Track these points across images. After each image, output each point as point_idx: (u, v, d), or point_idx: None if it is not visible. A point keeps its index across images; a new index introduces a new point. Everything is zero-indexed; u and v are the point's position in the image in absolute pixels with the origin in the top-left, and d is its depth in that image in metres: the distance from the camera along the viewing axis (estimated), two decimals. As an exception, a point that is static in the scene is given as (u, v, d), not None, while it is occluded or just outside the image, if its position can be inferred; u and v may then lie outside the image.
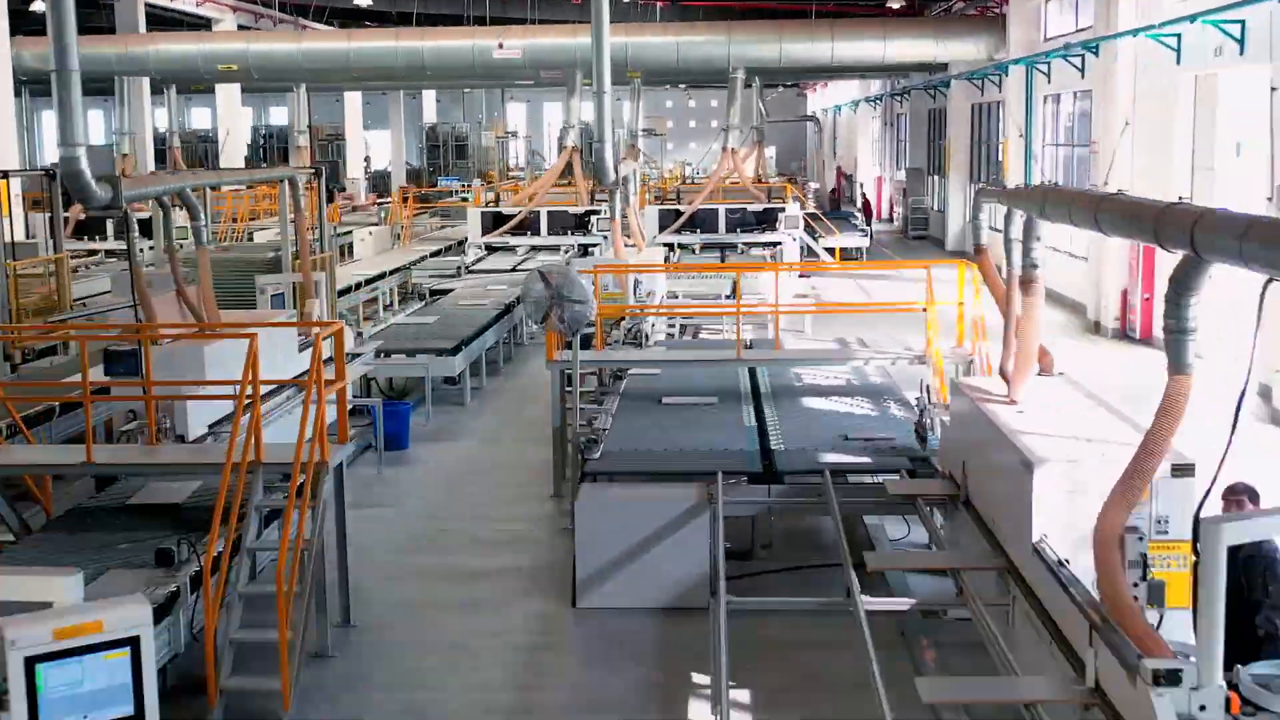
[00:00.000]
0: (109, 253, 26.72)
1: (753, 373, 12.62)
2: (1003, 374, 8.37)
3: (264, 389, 11.29)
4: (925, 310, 11.62)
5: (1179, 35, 18.11)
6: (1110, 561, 5.41)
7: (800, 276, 23.84)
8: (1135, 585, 5.54)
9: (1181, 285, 5.30)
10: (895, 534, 10.19)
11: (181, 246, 12.75)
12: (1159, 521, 6.32)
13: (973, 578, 7.64)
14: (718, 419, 10.99)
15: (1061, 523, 6.53)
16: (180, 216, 13.98)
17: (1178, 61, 18.31)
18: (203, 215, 11.65)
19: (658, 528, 8.91)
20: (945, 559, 8.57)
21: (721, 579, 7.31)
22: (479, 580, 9.80)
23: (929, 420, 9.90)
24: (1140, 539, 5.64)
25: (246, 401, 8.12)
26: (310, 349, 8.85)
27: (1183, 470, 6.32)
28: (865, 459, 9.63)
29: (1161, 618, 5.57)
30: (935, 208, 38.49)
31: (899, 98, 43.70)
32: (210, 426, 10.43)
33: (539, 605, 9.23)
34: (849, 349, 12.25)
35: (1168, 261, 17.55)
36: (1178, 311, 5.35)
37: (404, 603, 9.35)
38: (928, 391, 10.43)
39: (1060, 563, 6.21)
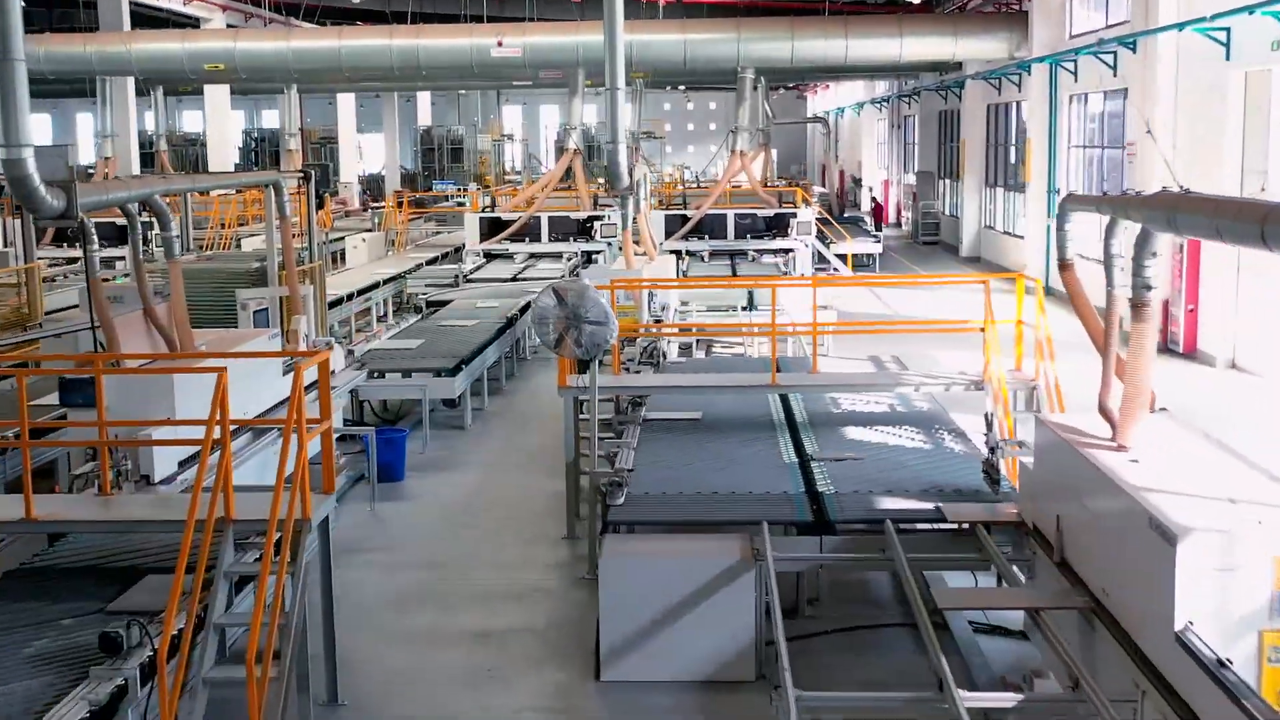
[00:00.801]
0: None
1: (784, 397, 11.41)
2: (1102, 411, 7.15)
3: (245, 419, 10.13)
4: (984, 330, 10.37)
5: (1228, 29, 16.95)
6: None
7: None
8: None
9: None
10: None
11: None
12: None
13: (1062, 629, 6.61)
14: (754, 455, 9.73)
15: (1211, 606, 5.31)
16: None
17: (1227, 57, 17.14)
18: (173, 224, 10.43)
19: (695, 588, 7.66)
20: (1018, 596, 7.41)
21: (785, 668, 6.04)
22: (485, 644, 8.54)
23: (999, 459, 8.66)
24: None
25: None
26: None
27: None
28: (927, 505, 8.38)
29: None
30: (947, 212, 37.31)
31: (908, 99, 42.52)
32: (181, 463, 9.20)
33: (556, 676, 7.98)
34: (895, 373, 11.03)
35: (1215, 272, 16.09)
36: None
37: (399, 674, 8.09)
38: (992, 424, 9.16)
39: (1221, 663, 4.98)
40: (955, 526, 8.09)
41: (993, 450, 8.69)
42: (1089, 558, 6.59)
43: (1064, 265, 8.11)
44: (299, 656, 6.95)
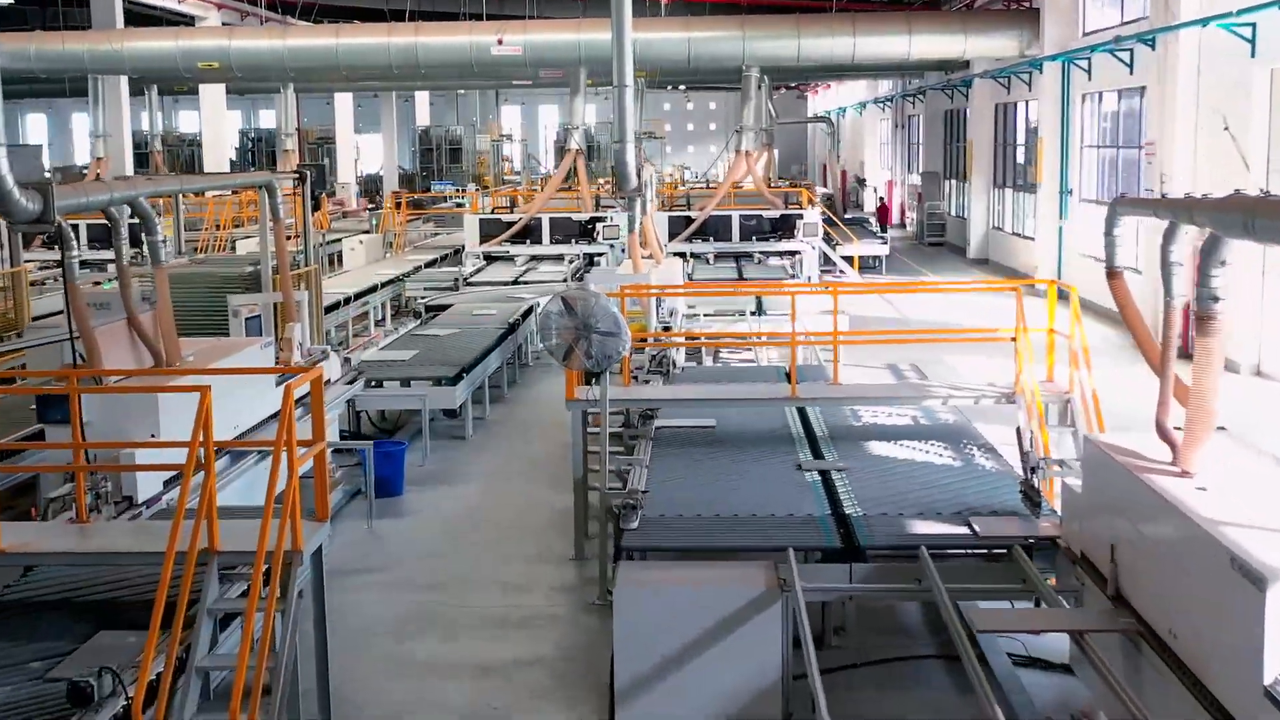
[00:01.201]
0: (83, 263, 24.87)
1: (802, 409, 10.85)
2: (1160, 432, 6.61)
3: (235, 432, 9.58)
4: (1015, 339, 9.83)
5: (1254, 25, 16.42)
6: None
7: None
8: None
9: None
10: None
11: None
12: None
13: (1111, 658, 6.20)
14: (773, 472, 9.17)
15: (1304, 658, 4.77)
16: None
17: (1252, 54, 16.60)
18: (159, 229, 9.86)
19: (717, 620, 7.10)
20: (1062, 618, 6.88)
21: (825, 716, 5.48)
22: (488, 677, 7.99)
23: (1039, 480, 8.10)
24: None
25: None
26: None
27: None
28: (962, 529, 7.82)
29: None
30: (953, 213, 36.76)
31: (912, 98, 41.98)
32: (166, 483, 8.67)
33: (566, 715, 7.43)
34: (922, 385, 10.48)
35: (1239, 275, 15.45)
36: None
37: (396, 710, 7.54)
38: (1027, 441, 8.60)
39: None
40: (993, 552, 7.56)
41: (1032, 470, 8.13)
42: (1153, 595, 6.04)
43: (1112, 273, 7.57)
44: (290, 698, 6.41)
